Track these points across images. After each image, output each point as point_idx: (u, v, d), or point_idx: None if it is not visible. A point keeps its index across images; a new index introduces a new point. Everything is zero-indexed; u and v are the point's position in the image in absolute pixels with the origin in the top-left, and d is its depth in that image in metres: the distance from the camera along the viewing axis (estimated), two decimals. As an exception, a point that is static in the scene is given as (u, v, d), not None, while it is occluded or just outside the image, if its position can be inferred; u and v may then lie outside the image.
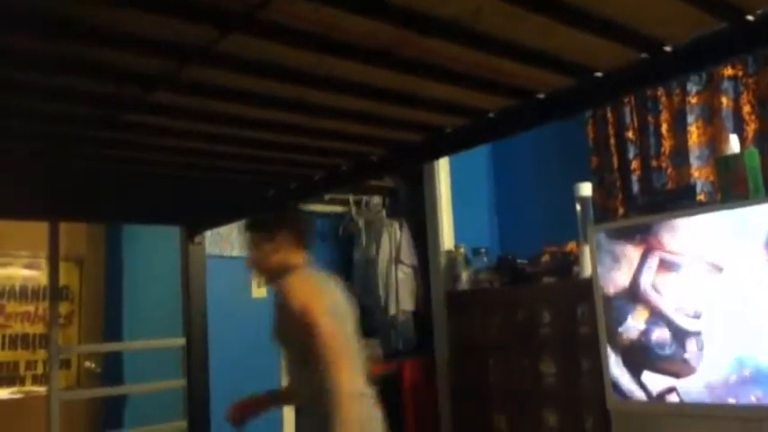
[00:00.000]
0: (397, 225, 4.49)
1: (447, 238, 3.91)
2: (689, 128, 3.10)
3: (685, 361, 2.25)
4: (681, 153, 3.15)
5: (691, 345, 2.24)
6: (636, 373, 2.38)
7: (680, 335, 2.26)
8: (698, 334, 2.22)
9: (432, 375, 3.89)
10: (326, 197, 4.40)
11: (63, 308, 3.02)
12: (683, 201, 2.57)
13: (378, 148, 1.07)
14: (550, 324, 3.11)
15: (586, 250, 2.91)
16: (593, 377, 2.81)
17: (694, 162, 3.08)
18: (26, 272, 3.04)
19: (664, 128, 3.23)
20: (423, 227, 4.14)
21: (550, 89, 0.85)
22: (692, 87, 3.12)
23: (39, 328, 2.96)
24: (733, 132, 2.81)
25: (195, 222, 1.56)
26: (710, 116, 3.07)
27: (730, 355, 2.14)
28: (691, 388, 2.23)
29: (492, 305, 3.44)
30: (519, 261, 3.50)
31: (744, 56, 2.75)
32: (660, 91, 3.24)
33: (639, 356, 2.37)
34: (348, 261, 4.79)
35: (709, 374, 2.19)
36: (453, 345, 3.68)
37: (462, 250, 3.76)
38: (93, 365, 3.07)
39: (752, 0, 0.64)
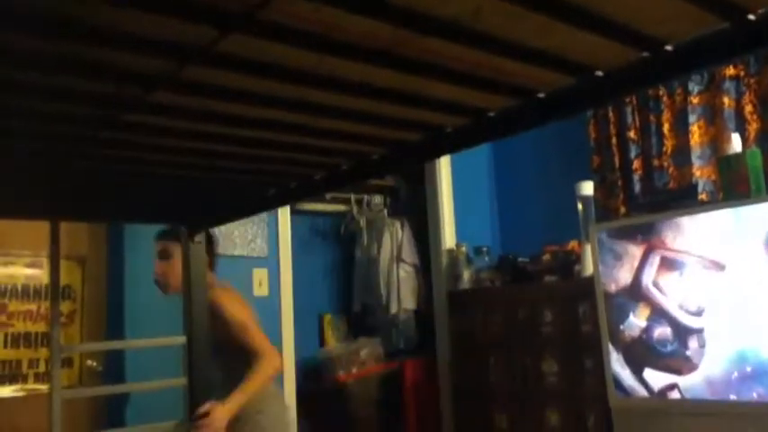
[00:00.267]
0: (398, 224, 4.49)
1: (448, 237, 3.91)
2: (691, 127, 3.10)
3: (687, 358, 2.25)
4: (682, 152, 3.15)
5: (692, 342, 2.24)
6: (637, 371, 2.38)
7: (682, 332, 2.26)
8: (700, 331, 2.22)
9: (433, 374, 3.90)
10: (328, 196, 4.41)
11: (65, 307, 3.02)
12: (684, 200, 2.57)
13: (378, 147, 1.07)
14: (552, 323, 3.12)
15: (588, 249, 2.91)
16: (594, 375, 2.81)
17: (696, 161, 3.08)
18: (28, 271, 3.05)
19: (665, 127, 3.23)
20: (424, 226, 4.14)
21: (551, 88, 0.85)
22: (694, 87, 3.12)
23: (41, 327, 2.96)
24: (735, 132, 2.81)
25: (196, 221, 1.56)
26: (712, 116, 3.07)
27: (732, 352, 2.14)
28: (692, 385, 2.23)
29: (493, 304, 3.44)
30: (520, 260, 3.50)
31: (745, 56, 2.75)
32: (662, 91, 3.24)
33: (641, 354, 2.37)
34: (350, 260, 4.80)
35: (711, 371, 2.19)
36: (455, 344, 3.68)
37: (464, 249, 3.76)
38: (94, 364, 3.08)
39: (753, -1, 0.64)
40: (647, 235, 2.37)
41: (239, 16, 0.62)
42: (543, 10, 0.65)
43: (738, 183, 2.37)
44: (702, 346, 2.21)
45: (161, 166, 1.13)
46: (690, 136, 3.10)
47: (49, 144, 0.96)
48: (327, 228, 4.83)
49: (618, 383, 2.43)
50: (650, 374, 2.35)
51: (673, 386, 2.29)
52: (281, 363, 2.44)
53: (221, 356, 2.26)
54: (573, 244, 3.29)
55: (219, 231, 3.25)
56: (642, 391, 2.36)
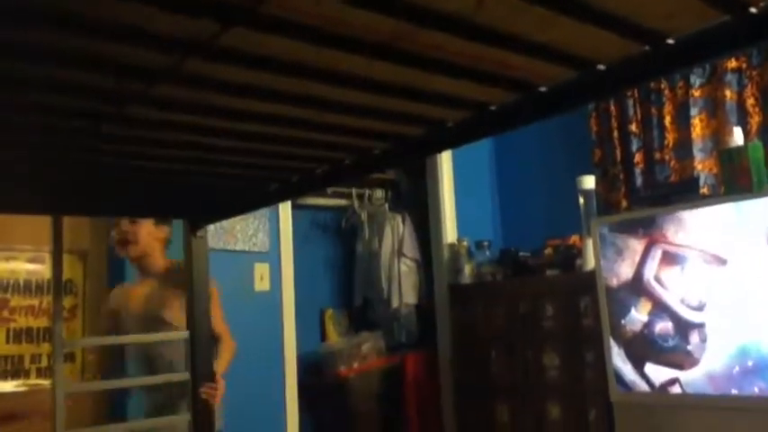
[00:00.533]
0: (399, 218, 4.50)
1: (450, 231, 3.91)
2: (692, 120, 3.10)
3: (688, 352, 2.25)
4: (684, 146, 3.15)
5: (694, 336, 2.24)
6: (639, 365, 2.38)
7: (683, 326, 2.26)
8: (701, 326, 2.22)
9: (434, 368, 3.90)
10: (329, 190, 4.40)
11: (66, 301, 3.03)
12: (686, 193, 2.57)
13: (379, 142, 1.07)
14: (553, 317, 3.12)
15: (589, 243, 2.91)
16: (595, 369, 2.82)
17: (698, 155, 3.08)
18: (30, 266, 3.05)
19: (667, 120, 3.22)
20: (425, 220, 4.14)
21: (552, 82, 0.85)
22: (696, 80, 3.11)
23: (43, 322, 2.97)
24: (736, 125, 2.81)
25: (197, 216, 1.56)
26: (714, 109, 3.07)
27: (733, 346, 2.15)
28: (694, 379, 2.24)
29: (495, 298, 3.45)
30: (522, 254, 3.50)
31: (747, 49, 2.74)
32: (663, 84, 3.23)
33: (642, 348, 2.37)
34: (351, 254, 4.80)
35: (712, 366, 2.19)
36: (456, 338, 3.69)
37: (465, 243, 3.76)
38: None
39: (755, -8, 0.64)
40: (648, 229, 2.37)
41: (241, 10, 0.62)
42: (545, 3, 0.65)
43: (740, 176, 2.37)
44: (704, 340, 2.21)
45: (162, 160, 1.13)
46: (691, 129, 3.10)
47: (49, 138, 0.96)
48: (328, 222, 4.83)
49: (619, 378, 2.43)
50: (651, 369, 2.35)
51: (674, 381, 2.29)
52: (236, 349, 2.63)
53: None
54: (574, 238, 3.29)
55: (221, 226, 3.25)
56: (643, 386, 2.36)
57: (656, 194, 2.77)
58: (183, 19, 0.63)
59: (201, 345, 1.61)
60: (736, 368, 2.14)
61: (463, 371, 3.62)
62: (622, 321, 2.43)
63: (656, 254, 2.34)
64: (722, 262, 2.17)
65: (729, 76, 2.99)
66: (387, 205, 4.58)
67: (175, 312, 2.44)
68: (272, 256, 3.51)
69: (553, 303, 3.12)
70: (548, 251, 3.38)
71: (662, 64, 0.77)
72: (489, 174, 4.23)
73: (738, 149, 2.42)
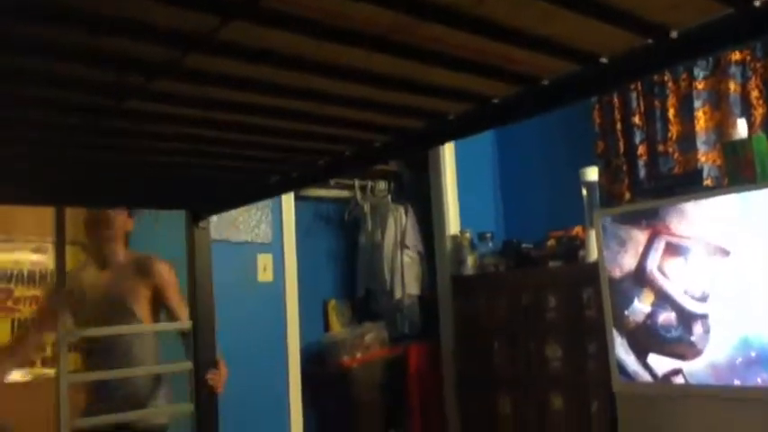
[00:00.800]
0: (402, 210, 4.50)
1: (452, 223, 3.91)
2: (696, 113, 3.09)
3: (691, 343, 2.25)
4: (688, 138, 3.14)
5: (697, 327, 2.24)
6: (642, 356, 2.39)
7: (686, 317, 2.26)
8: (704, 316, 2.22)
9: (437, 359, 3.91)
10: (332, 182, 4.41)
11: (70, 292, 3.04)
12: (689, 185, 2.57)
13: (381, 134, 1.07)
14: (556, 308, 3.12)
15: (592, 234, 2.91)
16: (598, 360, 2.82)
17: (701, 147, 3.07)
18: (34, 256, 3.06)
19: (671, 113, 3.21)
20: (428, 211, 4.14)
21: (555, 75, 0.84)
22: (699, 72, 3.10)
23: (47, 312, 2.99)
24: (741, 117, 2.79)
25: (199, 207, 1.56)
26: (718, 101, 3.05)
27: (736, 337, 2.15)
28: (697, 370, 2.24)
29: (497, 289, 3.45)
30: (524, 245, 3.50)
31: (750, 42, 2.73)
32: (667, 76, 3.22)
33: (645, 339, 2.37)
34: (354, 245, 4.80)
35: (715, 356, 2.20)
36: (459, 329, 3.70)
37: (468, 235, 3.76)
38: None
39: (759, -15, 0.63)
40: (651, 220, 2.36)
41: (241, 3, 0.62)
42: (547, -3, 0.65)
43: (744, 168, 2.36)
44: (707, 331, 2.21)
45: (164, 153, 1.13)
46: (695, 121, 3.08)
47: (51, 132, 0.96)
48: (331, 213, 4.84)
49: (622, 368, 2.44)
50: (654, 360, 2.35)
51: (677, 371, 2.29)
52: None
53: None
54: (577, 229, 3.28)
55: (224, 217, 3.26)
56: (646, 377, 2.37)
57: (659, 186, 2.76)
58: (183, 12, 0.62)
59: (204, 335, 1.61)
60: (739, 359, 2.14)
61: (466, 362, 3.63)
62: (625, 312, 2.43)
63: (660, 245, 2.34)
64: (725, 253, 2.17)
65: (733, 69, 2.98)
66: (389, 197, 4.58)
67: (143, 306, 2.44)
68: (275, 247, 3.52)
69: (556, 295, 3.12)
70: (550, 242, 3.38)
71: (665, 57, 0.77)
72: (492, 165, 4.22)
73: (742, 141, 2.42)
